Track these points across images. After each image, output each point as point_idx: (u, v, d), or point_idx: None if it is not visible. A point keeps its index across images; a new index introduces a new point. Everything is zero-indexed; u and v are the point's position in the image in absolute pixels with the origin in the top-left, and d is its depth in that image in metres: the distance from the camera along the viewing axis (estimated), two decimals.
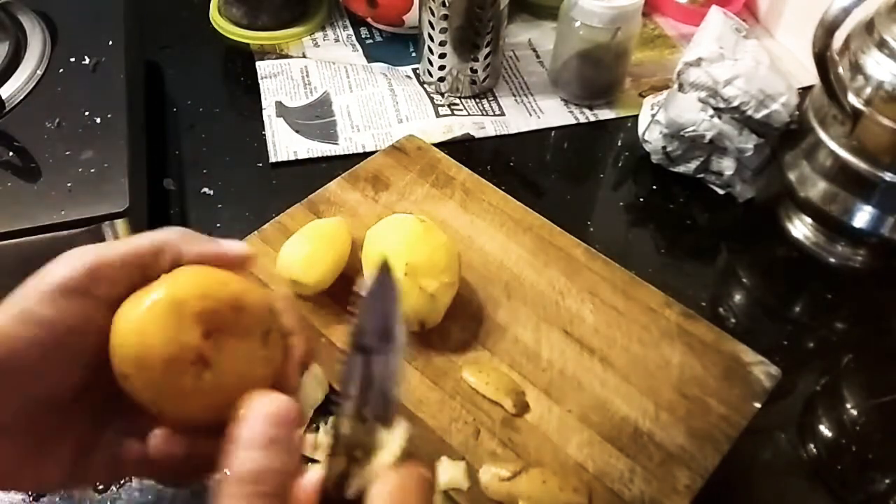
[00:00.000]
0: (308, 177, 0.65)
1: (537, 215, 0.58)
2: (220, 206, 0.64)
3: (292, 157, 0.68)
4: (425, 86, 0.76)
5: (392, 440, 0.27)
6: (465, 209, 0.58)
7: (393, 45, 0.81)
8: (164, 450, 0.28)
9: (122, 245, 0.29)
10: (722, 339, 0.50)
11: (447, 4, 0.67)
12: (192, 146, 0.69)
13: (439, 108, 0.73)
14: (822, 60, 0.52)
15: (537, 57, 0.80)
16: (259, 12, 0.79)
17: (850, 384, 0.55)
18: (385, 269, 0.28)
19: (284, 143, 0.69)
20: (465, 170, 0.61)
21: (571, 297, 0.52)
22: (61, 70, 0.62)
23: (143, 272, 0.29)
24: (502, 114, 0.73)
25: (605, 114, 0.74)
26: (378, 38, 0.82)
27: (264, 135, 0.69)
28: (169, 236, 0.30)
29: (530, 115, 0.74)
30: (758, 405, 0.47)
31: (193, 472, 0.29)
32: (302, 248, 0.51)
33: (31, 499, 0.46)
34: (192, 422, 0.28)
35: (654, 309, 0.52)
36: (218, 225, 0.62)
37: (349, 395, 0.27)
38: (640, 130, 0.68)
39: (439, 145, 0.66)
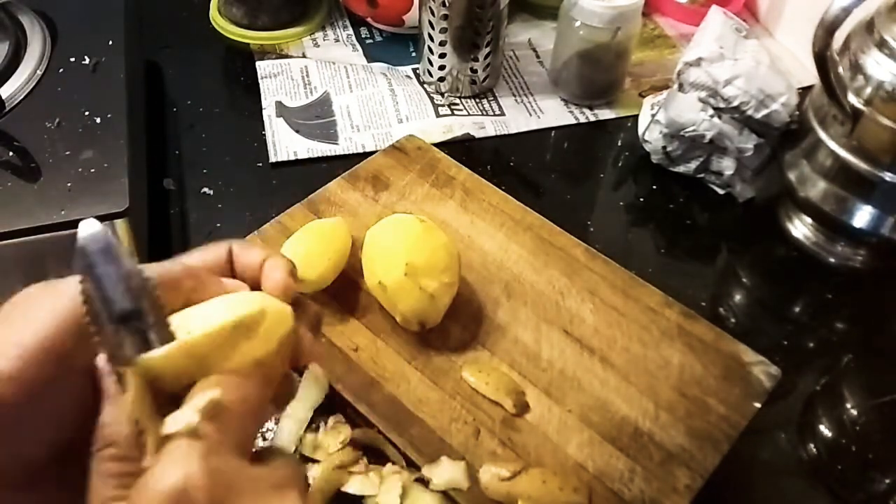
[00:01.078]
0: (308, 177, 0.65)
1: (537, 215, 0.58)
2: (220, 206, 0.64)
3: (292, 157, 0.68)
4: (425, 86, 0.76)
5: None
6: (465, 209, 0.58)
7: (393, 45, 0.81)
8: None
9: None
10: (722, 339, 0.50)
11: (447, 4, 0.67)
12: (192, 146, 0.69)
13: (439, 108, 0.73)
14: (822, 60, 0.52)
15: (537, 57, 0.80)
16: (259, 12, 0.79)
17: (850, 384, 0.55)
18: (85, 235, 0.26)
19: (284, 143, 0.69)
20: (465, 170, 0.61)
21: (571, 297, 0.52)
22: (61, 70, 0.63)
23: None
24: (502, 114, 0.73)
25: (605, 114, 0.74)
26: (378, 38, 0.82)
27: (264, 135, 0.69)
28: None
29: (530, 115, 0.74)
30: (758, 405, 0.47)
31: None
32: (302, 246, 0.51)
33: None
34: None
35: (654, 309, 0.52)
36: (218, 225, 0.62)
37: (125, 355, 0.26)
38: (640, 130, 0.68)
39: (439, 145, 0.66)
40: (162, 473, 0.23)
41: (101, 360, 0.27)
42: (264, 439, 0.47)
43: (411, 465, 0.44)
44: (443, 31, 0.70)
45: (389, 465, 0.45)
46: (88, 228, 0.26)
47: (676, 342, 0.50)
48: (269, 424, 0.47)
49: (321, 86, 0.75)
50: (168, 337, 0.26)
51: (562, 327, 0.51)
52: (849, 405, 0.54)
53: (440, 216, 0.57)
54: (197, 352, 0.26)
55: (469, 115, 0.73)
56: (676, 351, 0.50)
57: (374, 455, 0.46)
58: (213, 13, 0.82)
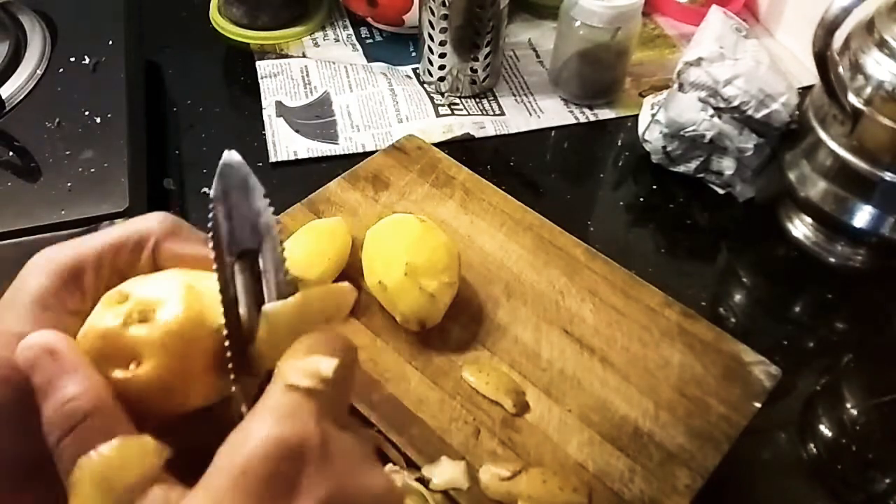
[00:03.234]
0: (308, 177, 0.64)
1: (537, 215, 0.58)
2: None
3: (292, 157, 0.68)
4: (425, 85, 0.76)
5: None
6: (465, 209, 0.58)
7: (393, 45, 0.81)
8: None
9: (98, 242, 0.27)
10: (722, 339, 0.50)
11: (447, 4, 0.67)
12: (192, 146, 0.69)
13: (439, 108, 0.73)
14: (822, 60, 0.52)
15: (537, 57, 0.80)
16: (259, 12, 0.79)
17: (850, 384, 0.55)
18: (227, 162, 0.26)
19: (284, 143, 0.69)
20: (465, 169, 0.61)
21: (571, 297, 0.52)
22: (61, 70, 0.62)
23: (121, 273, 0.27)
24: (502, 113, 0.73)
25: (605, 114, 0.74)
26: (378, 38, 0.82)
27: (264, 135, 0.69)
28: (150, 228, 0.28)
29: (530, 114, 0.74)
30: (758, 405, 0.47)
31: None
32: (303, 246, 0.51)
33: None
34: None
35: (654, 309, 0.52)
36: None
37: (237, 299, 0.25)
38: (641, 130, 0.68)
39: (439, 145, 0.66)
40: (274, 425, 0.22)
41: (29, 341, 0.24)
42: None
43: (411, 465, 0.44)
44: (443, 30, 0.70)
45: (389, 465, 0.45)
46: (230, 157, 0.26)
47: (676, 342, 0.50)
48: None
49: (321, 86, 0.75)
50: (282, 282, 0.26)
51: (562, 327, 0.51)
52: (849, 405, 0.54)
53: (440, 216, 0.57)
54: (315, 308, 0.25)
55: (469, 114, 0.73)
56: (676, 351, 0.50)
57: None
58: (213, 13, 0.82)
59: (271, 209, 0.26)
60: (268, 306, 0.25)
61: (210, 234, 0.25)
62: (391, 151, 0.63)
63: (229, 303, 0.25)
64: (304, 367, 0.24)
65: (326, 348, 0.25)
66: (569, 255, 0.55)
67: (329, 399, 0.24)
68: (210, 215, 0.25)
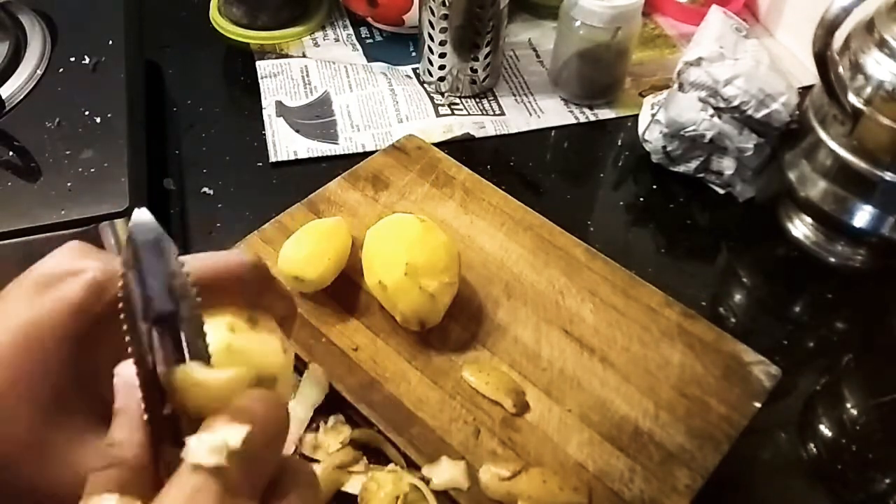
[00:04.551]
0: (308, 176, 0.65)
1: (537, 215, 0.58)
2: (220, 205, 0.64)
3: (292, 157, 0.68)
4: (425, 85, 0.76)
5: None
6: (465, 209, 0.58)
7: (393, 45, 0.81)
8: None
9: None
10: (722, 339, 0.50)
11: (447, 4, 0.67)
12: (192, 146, 0.69)
13: (439, 108, 0.73)
14: (822, 60, 0.52)
15: (537, 57, 0.80)
16: (259, 12, 0.79)
17: (850, 384, 0.55)
18: (137, 222, 0.24)
19: (284, 143, 0.69)
20: (465, 169, 0.61)
21: (571, 297, 0.52)
22: (61, 70, 0.62)
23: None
24: (502, 113, 0.73)
25: (605, 113, 0.74)
26: (378, 38, 0.82)
27: (264, 134, 0.69)
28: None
29: (530, 114, 0.74)
30: (758, 405, 0.47)
31: None
32: (303, 246, 0.51)
33: None
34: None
35: (654, 309, 0.52)
36: (218, 225, 0.62)
37: (159, 363, 0.24)
38: (641, 130, 0.68)
39: (439, 145, 0.66)
40: None
41: (122, 369, 0.25)
42: None
43: (411, 465, 0.44)
44: (443, 30, 0.70)
45: (391, 465, 0.45)
46: (140, 217, 0.24)
47: (676, 342, 0.50)
48: None
49: (321, 85, 0.75)
50: (202, 348, 0.25)
51: (562, 327, 0.51)
52: (849, 405, 0.54)
53: (440, 216, 0.57)
54: (234, 383, 0.24)
55: (469, 114, 0.73)
56: (676, 351, 0.50)
57: (374, 455, 0.46)
58: (213, 13, 0.82)
59: (186, 269, 0.25)
60: (197, 372, 0.24)
61: (120, 304, 0.24)
62: (391, 151, 0.63)
63: (147, 374, 0.24)
64: (210, 442, 0.22)
65: (243, 415, 0.23)
66: (569, 255, 0.55)
67: (243, 472, 0.22)
68: (119, 283, 0.24)
